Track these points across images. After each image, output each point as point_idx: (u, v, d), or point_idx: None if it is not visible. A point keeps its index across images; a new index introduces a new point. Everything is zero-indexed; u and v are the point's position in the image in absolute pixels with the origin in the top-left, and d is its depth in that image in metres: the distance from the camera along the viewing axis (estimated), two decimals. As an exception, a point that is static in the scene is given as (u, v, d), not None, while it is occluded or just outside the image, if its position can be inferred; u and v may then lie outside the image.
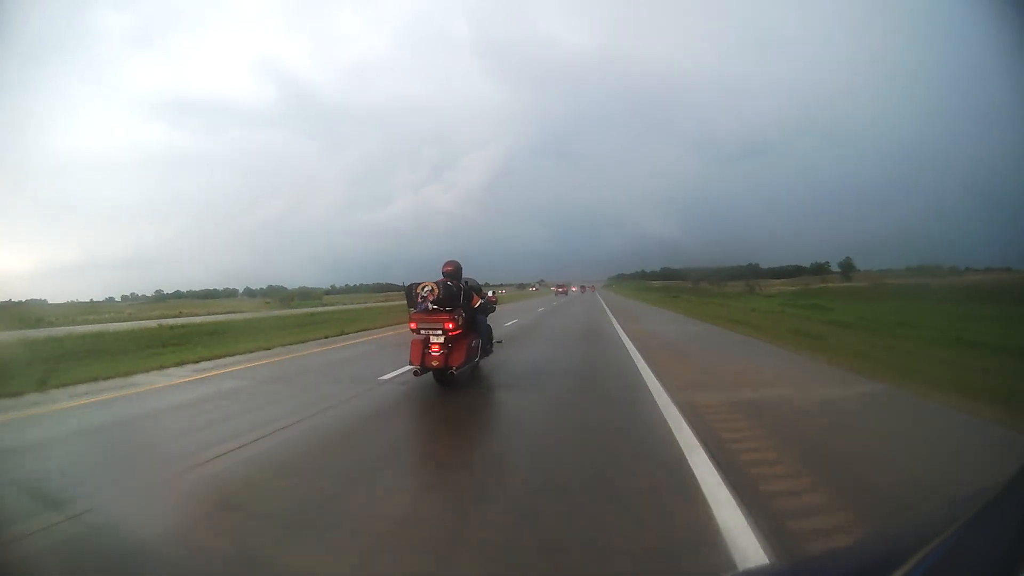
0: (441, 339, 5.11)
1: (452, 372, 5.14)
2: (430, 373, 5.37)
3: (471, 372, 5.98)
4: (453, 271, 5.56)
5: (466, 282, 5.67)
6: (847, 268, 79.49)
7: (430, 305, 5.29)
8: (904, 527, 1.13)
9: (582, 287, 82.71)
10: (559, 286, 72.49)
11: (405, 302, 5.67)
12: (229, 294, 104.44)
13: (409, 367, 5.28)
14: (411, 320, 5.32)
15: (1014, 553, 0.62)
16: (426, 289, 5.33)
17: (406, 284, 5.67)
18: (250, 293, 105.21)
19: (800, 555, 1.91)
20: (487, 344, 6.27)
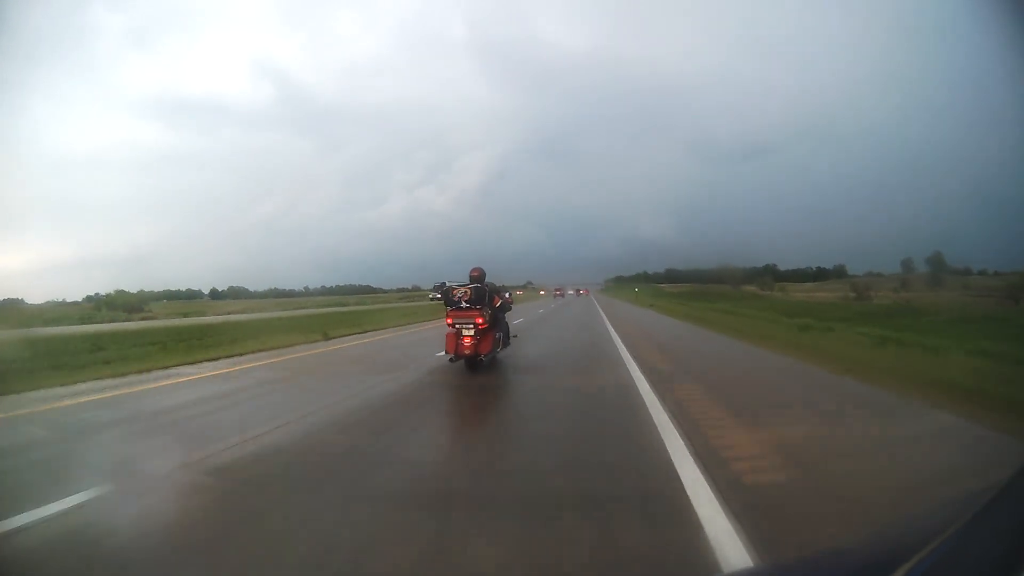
0: (472, 332, 6.02)
1: (481, 359, 6.16)
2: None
3: (492, 360, 6.74)
4: (479, 276, 6.47)
5: (489, 284, 6.53)
6: (938, 267, 51.46)
7: (464, 304, 6.20)
8: (904, 527, 1.13)
9: (576, 291, 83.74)
10: (557, 289, 76.18)
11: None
12: (193, 295, 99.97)
13: None
14: (448, 316, 6.22)
15: (1014, 553, 0.62)
16: (461, 291, 6.26)
17: (444, 285, 6.55)
18: (215, 294, 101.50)
19: (799, 555, 1.91)
20: (506, 338, 7.30)
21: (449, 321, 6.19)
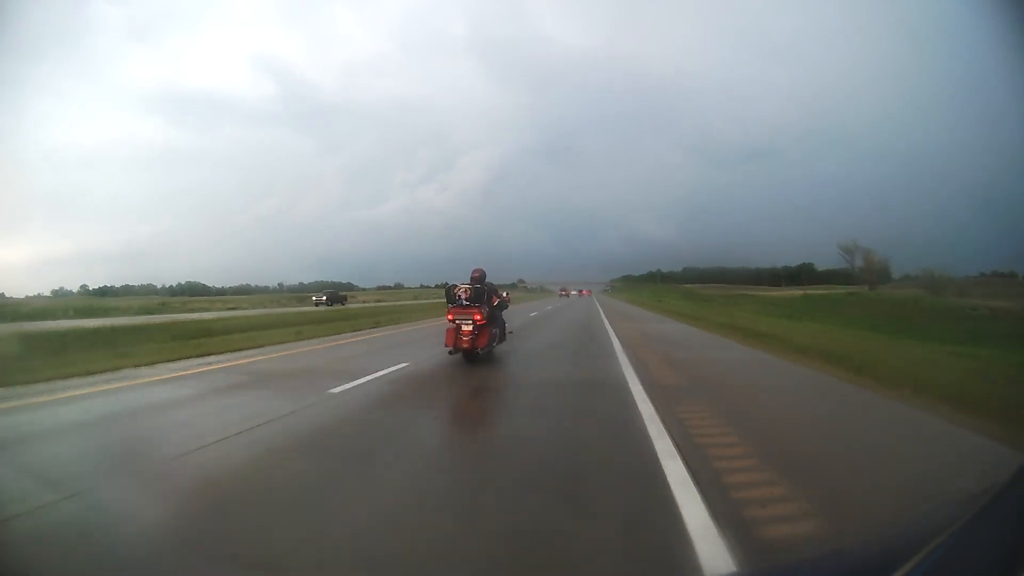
0: (470, 327, 6.49)
1: (478, 352, 6.63)
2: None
3: (490, 353, 7.24)
4: (479, 276, 6.98)
5: (488, 284, 7.04)
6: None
7: (464, 301, 6.66)
8: (904, 527, 1.13)
9: (579, 291, 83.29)
10: (562, 290, 77.05)
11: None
12: (147, 291, 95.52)
13: None
14: (448, 312, 6.69)
15: (1014, 553, 0.62)
16: (461, 290, 6.74)
17: (447, 284, 7.17)
18: (171, 291, 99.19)
19: (800, 556, 1.91)
20: (503, 334, 7.82)
21: (450, 317, 6.67)
